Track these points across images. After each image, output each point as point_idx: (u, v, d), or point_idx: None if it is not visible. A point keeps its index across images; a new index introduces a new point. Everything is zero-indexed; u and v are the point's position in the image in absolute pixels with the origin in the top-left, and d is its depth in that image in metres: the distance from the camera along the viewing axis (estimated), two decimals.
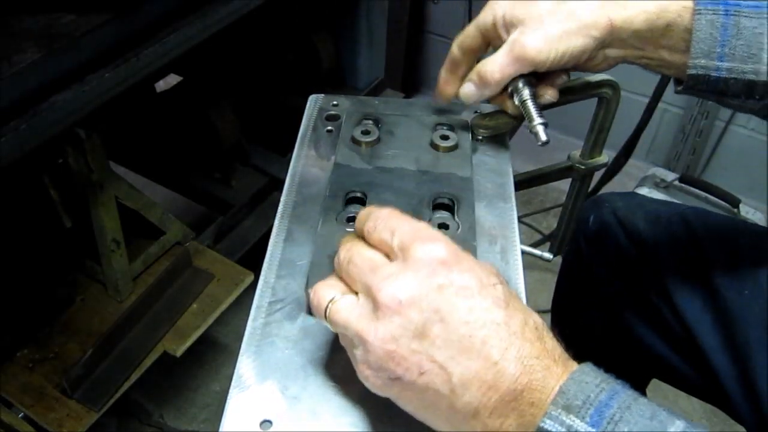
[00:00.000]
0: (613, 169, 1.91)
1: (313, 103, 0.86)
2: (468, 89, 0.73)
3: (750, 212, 1.86)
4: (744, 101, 0.63)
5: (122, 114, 1.58)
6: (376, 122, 0.79)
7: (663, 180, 1.94)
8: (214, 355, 1.72)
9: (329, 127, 0.82)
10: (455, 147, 0.75)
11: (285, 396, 0.54)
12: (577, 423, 0.42)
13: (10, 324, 1.28)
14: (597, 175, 1.62)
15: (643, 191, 1.90)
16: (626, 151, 1.88)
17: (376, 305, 0.46)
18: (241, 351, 0.57)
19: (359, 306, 0.48)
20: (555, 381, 0.44)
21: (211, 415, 1.62)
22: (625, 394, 0.43)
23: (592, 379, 0.44)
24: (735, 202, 1.83)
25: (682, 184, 1.91)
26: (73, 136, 1.12)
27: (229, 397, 0.54)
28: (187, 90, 1.66)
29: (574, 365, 0.46)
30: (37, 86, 0.95)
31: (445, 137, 0.76)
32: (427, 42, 2.40)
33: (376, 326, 0.46)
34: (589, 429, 0.41)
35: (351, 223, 0.66)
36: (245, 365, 0.56)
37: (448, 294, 0.45)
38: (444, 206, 0.69)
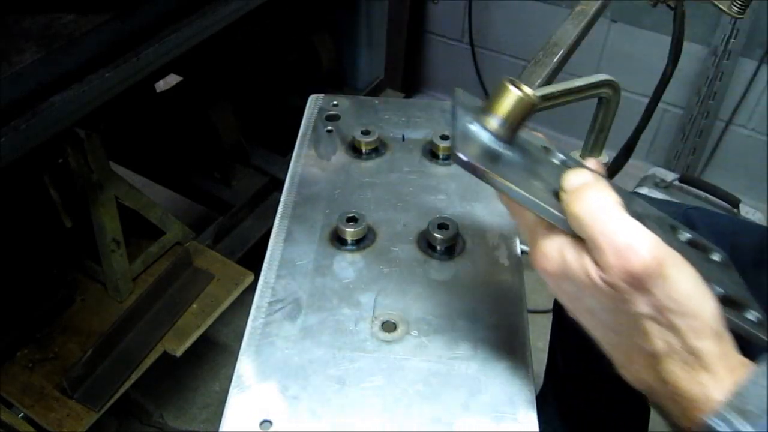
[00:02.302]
0: (613, 169, 1.90)
1: (313, 103, 0.86)
2: None
3: (750, 212, 1.86)
4: None
5: (122, 114, 1.58)
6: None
7: (663, 180, 1.94)
8: (214, 355, 1.72)
9: (329, 127, 0.82)
10: None
11: (285, 396, 0.54)
12: (748, 429, 0.41)
13: (10, 324, 1.28)
14: None
15: (643, 191, 1.90)
16: (626, 151, 1.87)
17: None
18: (241, 351, 0.57)
19: None
20: (729, 377, 0.44)
21: (211, 415, 1.62)
22: None
23: None
24: (735, 202, 1.83)
25: (682, 184, 1.91)
26: (73, 136, 1.12)
27: (229, 397, 0.54)
28: (187, 90, 1.66)
29: (746, 364, 0.45)
30: (37, 86, 0.95)
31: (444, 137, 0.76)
32: (427, 42, 2.40)
33: None
34: None
35: None
36: (245, 365, 0.56)
37: None
38: None
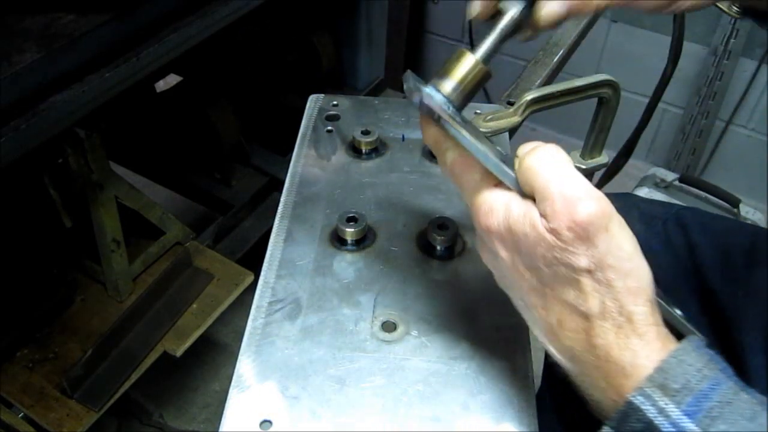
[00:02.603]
0: (613, 169, 1.91)
1: (313, 103, 0.86)
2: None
3: (750, 212, 1.86)
4: None
5: (122, 114, 1.58)
6: None
7: (663, 180, 1.94)
8: (214, 355, 1.72)
9: (329, 127, 0.82)
10: None
11: (285, 396, 0.54)
12: (671, 408, 0.40)
13: (10, 324, 1.28)
14: (597, 175, 1.62)
15: (643, 191, 1.90)
16: (626, 151, 1.88)
17: None
18: (241, 351, 0.57)
19: None
20: (654, 354, 0.42)
21: (211, 415, 1.62)
22: (727, 385, 0.41)
23: (694, 361, 0.42)
24: (735, 202, 1.83)
25: (682, 184, 1.91)
26: (73, 136, 1.12)
27: (229, 397, 0.54)
28: (187, 90, 1.66)
29: (673, 341, 0.44)
30: (37, 86, 0.95)
31: None
32: (427, 42, 2.40)
33: None
34: (683, 417, 0.40)
35: None
36: (245, 365, 0.56)
37: None
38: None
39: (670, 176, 1.95)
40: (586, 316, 0.44)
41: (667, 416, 0.40)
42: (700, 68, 1.96)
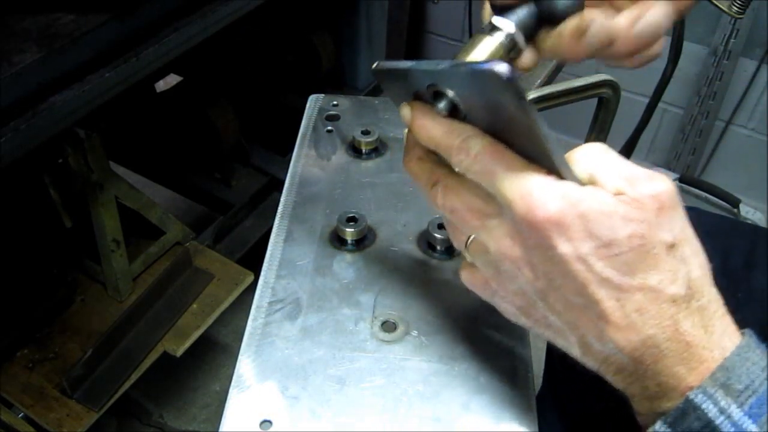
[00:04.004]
0: None
1: (313, 103, 0.86)
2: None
3: (750, 212, 1.86)
4: None
5: (122, 114, 1.58)
6: None
7: None
8: (214, 355, 1.72)
9: (329, 127, 0.82)
10: None
11: (285, 396, 0.54)
12: (733, 409, 0.38)
13: (10, 324, 1.28)
14: None
15: None
16: (626, 151, 1.88)
17: None
18: (241, 351, 0.57)
19: None
20: (727, 341, 0.40)
21: (211, 415, 1.62)
22: None
23: (758, 359, 0.40)
24: (735, 202, 1.83)
25: (682, 184, 1.91)
26: (73, 136, 1.12)
27: (229, 397, 0.54)
28: (187, 90, 1.66)
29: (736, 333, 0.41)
30: (37, 86, 0.95)
31: None
32: (427, 42, 2.40)
33: None
34: (745, 419, 0.38)
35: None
36: (245, 365, 0.56)
37: None
38: None
39: (670, 176, 1.95)
40: (672, 300, 0.40)
41: (728, 417, 0.39)
42: (700, 68, 1.96)
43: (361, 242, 0.68)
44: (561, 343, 0.46)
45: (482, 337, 0.59)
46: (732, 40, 1.85)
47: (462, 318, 0.61)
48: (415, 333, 0.60)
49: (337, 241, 0.68)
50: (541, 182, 0.40)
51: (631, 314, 0.40)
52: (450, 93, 0.44)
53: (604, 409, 1.14)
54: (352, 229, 0.67)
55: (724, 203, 1.83)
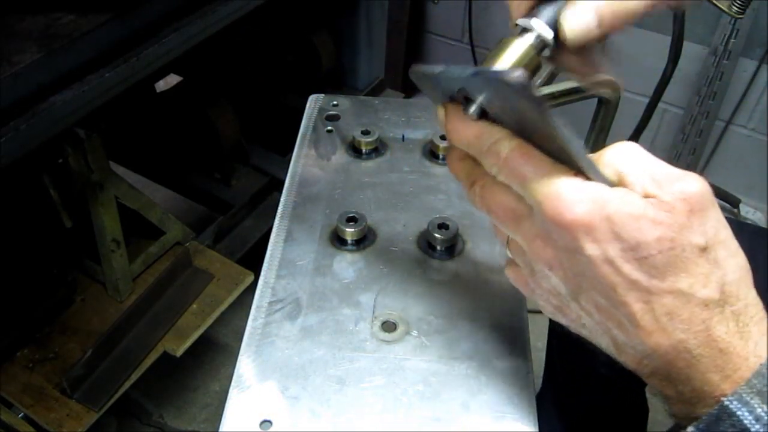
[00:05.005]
0: None
1: (313, 103, 0.86)
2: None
3: (750, 212, 1.86)
4: None
5: (122, 114, 1.58)
6: None
7: None
8: (214, 355, 1.72)
9: (329, 127, 0.82)
10: None
11: (285, 396, 0.54)
12: None
13: (10, 324, 1.28)
14: None
15: None
16: None
17: None
18: (241, 351, 0.58)
19: None
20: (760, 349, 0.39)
21: (211, 415, 1.62)
22: None
23: None
24: (735, 202, 1.83)
25: None
26: (73, 136, 1.12)
27: (229, 397, 0.54)
28: (187, 90, 1.66)
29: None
30: (37, 86, 0.95)
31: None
32: (427, 42, 2.40)
33: None
34: None
35: None
36: (245, 365, 0.56)
37: None
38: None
39: None
40: (704, 304, 0.39)
41: (765, 425, 0.38)
42: (700, 68, 1.96)
43: (361, 242, 0.68)
44: (597, 343, 0.46)
45: (482, 337, 0.59)
46: (732, 40, 1.85)
47: (462, 318, 0.61)
48: (415, 333, 0.60)
49: (337, 241, 0.68)
50: (569, 184, 0.40)
51: (661, 318, 0.40)
52: (478, 98, 0.44)
53: (603, 409, 1.15)
54: (352, 229, 0.67)
55: (724, 203, 1.84)
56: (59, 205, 1.23)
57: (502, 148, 0.43)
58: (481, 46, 2.26)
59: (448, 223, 0.67)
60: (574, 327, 0.47)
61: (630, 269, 0.39)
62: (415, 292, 0.63)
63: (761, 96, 1.94)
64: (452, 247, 0.67)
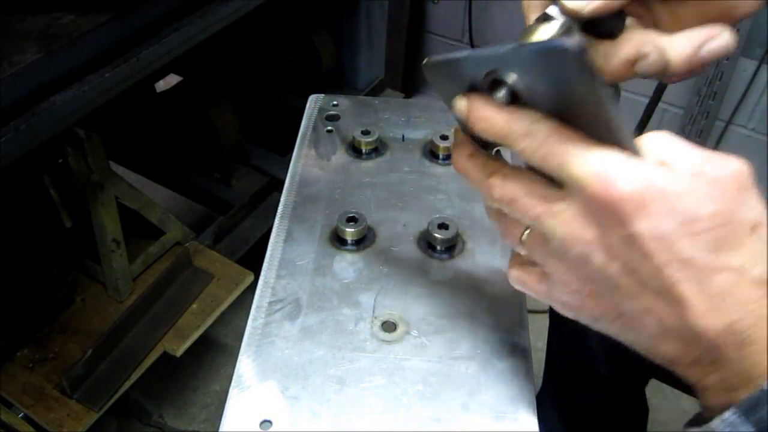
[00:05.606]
0: None
1: (313, 103, 0.86)
2: None
3: None
4: None
5: (122, 114, 1.58)
6: None
7: None
8: (214, 355, 1.72)
9: (329, 127, 0.82)
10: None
11: (285, 396, 0.54)
12: None
13: (10, 324, 1.28)
14: None
15: None
16: None
17: None
18: (241, 351, 0.58)
19: None
20: None
21: (211, 415, 1.62)
22: None
23: None
24: None
25: None
26: (73, 136, 1.12)
27: (229, 397, 0.54)
28: (187, 90, 1.66)
29: None
30: (37, 86, 0.95)
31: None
32: (427, 42, 2.40)
33: None
34: None
35: None
36: (245, 365, 0.56)
37: None
38: None
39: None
40: (757, 282, 0.38)
41: None
42: None
43: (361, 242, 0.68)
44: (630, 336, 0.44)
45: (482, 337, 0.59)
46: None
47: (462, 318, 0.61)
48: (415, 333, 0.60)
49: (337, 241, 0.68)
50: (617, 159, 0.39)
51: (714, 298, 0.38)
52: (511, 79, 0.43)
53: (603, 409, 1.15)
54: (352, 229, 0.67)
55: None
56: (59, 205, 1.23)
57: (540, 128, 0.41)
58: (481, 46, 2.26)
59: (448, 223, 0.67)
60: (602, 320, 0.44)
61: (683, 246, 0.38)
62: (415, 292, 0.63)
63: (761, 96, 1.94)
64: (452, 247, 0.67)
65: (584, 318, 0.46)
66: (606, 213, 0.39)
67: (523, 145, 0.42)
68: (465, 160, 0.47)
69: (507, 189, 0.44)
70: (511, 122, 0.42)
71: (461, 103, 0.45)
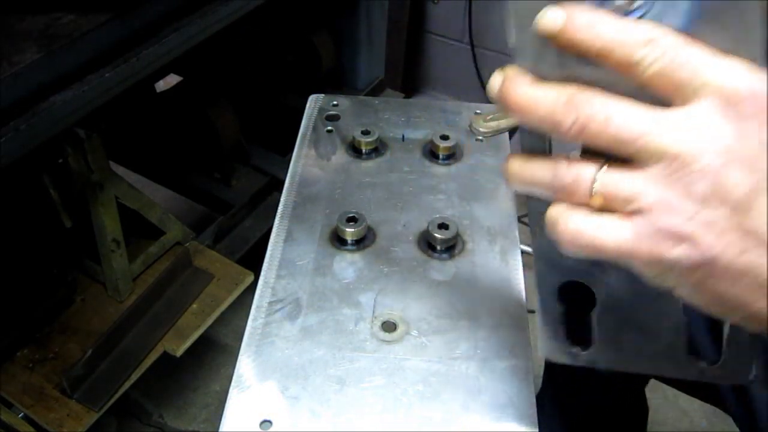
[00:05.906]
0: None
1: (313, 103, 0.86)
2: None
3: None
4: None
5: (122, 114, 1.58)
6: None
7: None
8: (214, 355, 1.72)
9: (329, 127, 0.82)
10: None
11: (285, 396, 0.54)
12: None
13: (10, 324, 1.28)
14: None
15: None
16: None
17: None
18: (241, 351, 0.58)
19: None
20: None
21: (211, 415, 1.62)
22: None
23: None
24: None
25: None
26: (73, 136, 1.12)
27: (229, 397, 0.54)
28: (187, 90, 1.66)
29: None
30: (37, 86, 0.95)
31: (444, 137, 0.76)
32: (427, 42, 2.40)
33: None
34: None
35: None
36: (245, 365, 0.56)
37: None
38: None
39: None
40: None
41: None
42: None
43: (361, 242, 0.68)
44: (733, 290, 0.36)
45: (482, 337, 0.59)
46: None
47: (462, 318, 0.61)
48: (415, 333, 0.60)
49: (337, 241, 0.68)
50: (743, 64, 0.35)
51: None
52: None
53: (603, 409, 1.15)
54: (352, 229, 0.67)
55: None
56: (59, 205, 1.23)
57: (665, 33, 0.35)
58: (481, 46, 2.26)
59: (448, 223, 0.67)
60: (720, 262, 0.36)
61: None
62: (415, 292, 0.63)
63: None
64: (452, 247, 0.67)
65: (681, 280, 0.38)
66: (747, 105, 0.34)
67: (644, 51, 0.35)
68: (528, 87, 0.39)
69: (598, 104, 0.37)
70: (627, 26, 0.36)
71: (554, 13, 0.37)
